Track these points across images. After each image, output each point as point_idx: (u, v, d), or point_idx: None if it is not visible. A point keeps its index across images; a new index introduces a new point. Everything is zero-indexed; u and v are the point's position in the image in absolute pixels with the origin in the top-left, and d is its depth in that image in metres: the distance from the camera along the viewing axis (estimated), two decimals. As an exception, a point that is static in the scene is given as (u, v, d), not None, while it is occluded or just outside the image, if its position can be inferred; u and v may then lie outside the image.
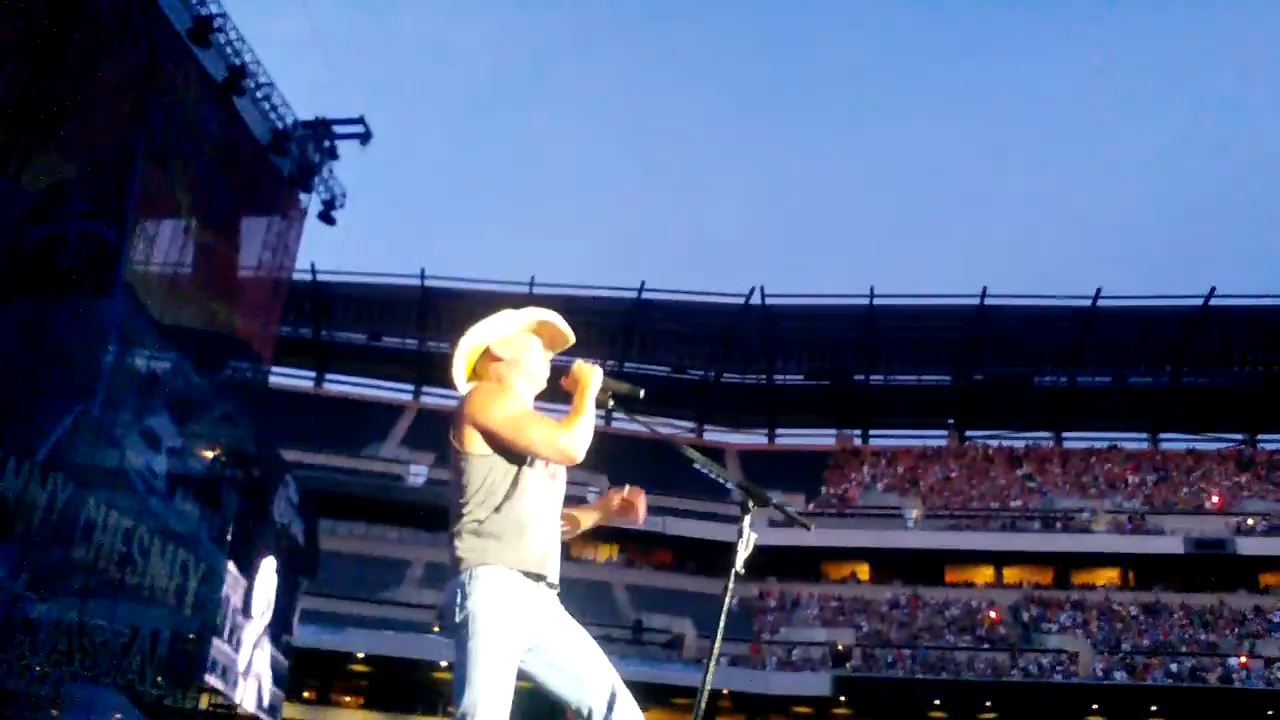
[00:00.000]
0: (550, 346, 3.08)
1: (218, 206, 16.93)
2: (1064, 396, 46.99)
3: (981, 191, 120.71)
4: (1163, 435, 48.24)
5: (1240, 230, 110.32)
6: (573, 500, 3.06)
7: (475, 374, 3.05)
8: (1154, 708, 33.44)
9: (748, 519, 2.78)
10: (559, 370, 3.03)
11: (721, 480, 2.95)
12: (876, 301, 42.74)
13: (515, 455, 2.83)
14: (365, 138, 19.09)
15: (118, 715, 14.69)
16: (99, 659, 13.34)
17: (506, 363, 2.99)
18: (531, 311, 3.04)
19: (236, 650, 18.48)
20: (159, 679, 15.12)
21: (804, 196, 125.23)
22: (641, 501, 3.20)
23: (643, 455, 41.43)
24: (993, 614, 37.64)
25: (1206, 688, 32.11)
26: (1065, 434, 48.70)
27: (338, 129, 18.91)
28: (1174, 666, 33.20)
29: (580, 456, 2.80)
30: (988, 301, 42.16)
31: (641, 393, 2.98)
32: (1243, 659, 33.03)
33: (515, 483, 2.83)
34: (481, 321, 3.01)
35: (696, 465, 3.06)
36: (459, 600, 2.74)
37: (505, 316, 3.02)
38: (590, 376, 2.90)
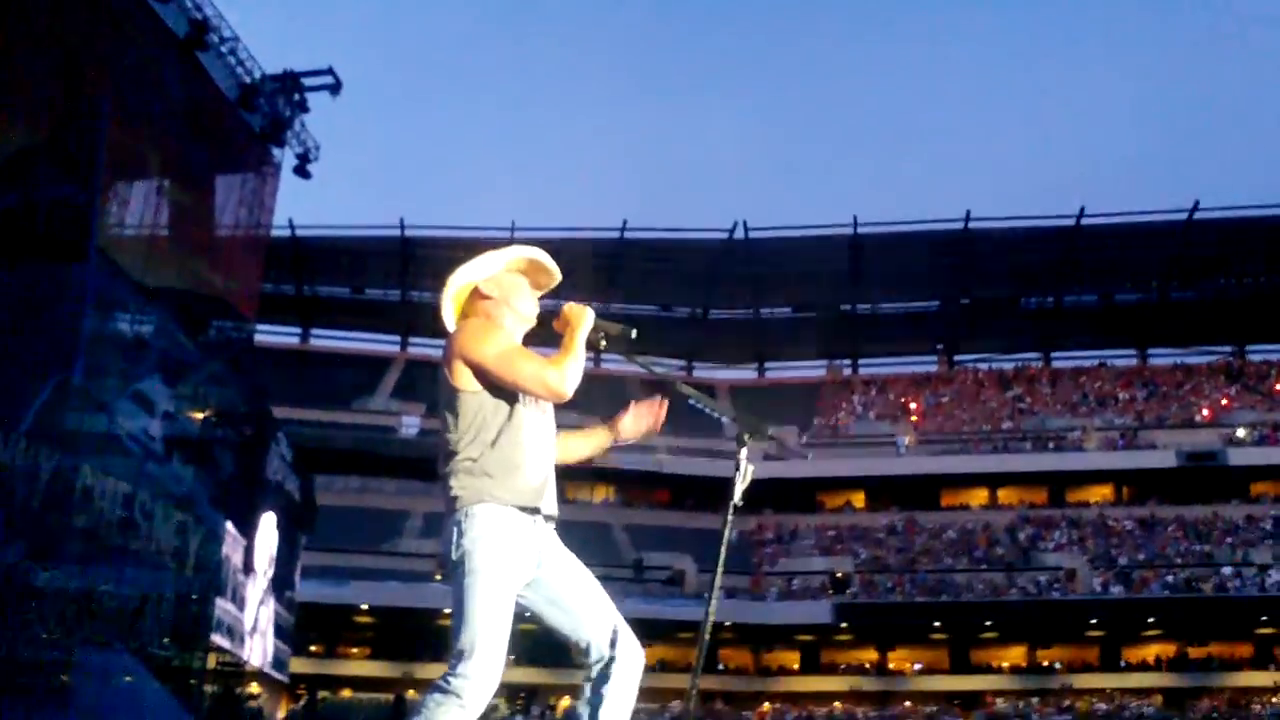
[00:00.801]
0: (537, 285, 3.04)
1: (190, 165, 16.66)
2: (1051, 317, 47.04)
3: (964, 114, 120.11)
4: (1151, 351, 48.48)
5: (1224, 141, 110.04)
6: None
7: (464, 315, 3.01)
8: (1151, 619, 33.97)
9: (744, 451, 2.74)
10: (548, 313, 2.97)
11: (717, 414, 2.91)
12: (861, 230, 42.57)
13: (505, 391, 2.80)
14: (335, 88, 18.69)
15: (129, 678, 14.79)
16: (109, 624, 13.39)
17: (495, 301, 2.96)
18: (517, 250, 2.99)
19: (241, 609, 18.58)
20: (165, 640, 15.20)
21: (785, 126, 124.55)
22: (660, 409, 3.12)
23: (634, 396, 41.50)
24: (986, 537, 38.04)
25: (1202, 597, 32.61)
26: (1054, 354, 48.91)
27: (307, 81, 18.51)
28: (1170, 578, 33.67)
29: (569, 393, 2.77)
30: (972, 225, 42.02)
31: (634, 333, 2.95)
32: (1236, 568, 33.47)
33: (508, 418, 2.81)
34: (468, 262, 2.97)
35: (691, 400, 3.03)
36: (455, 539, 2.73)
37: (491, 256, 2.98)
38: (582, 317, 2.86)
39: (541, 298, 3.06)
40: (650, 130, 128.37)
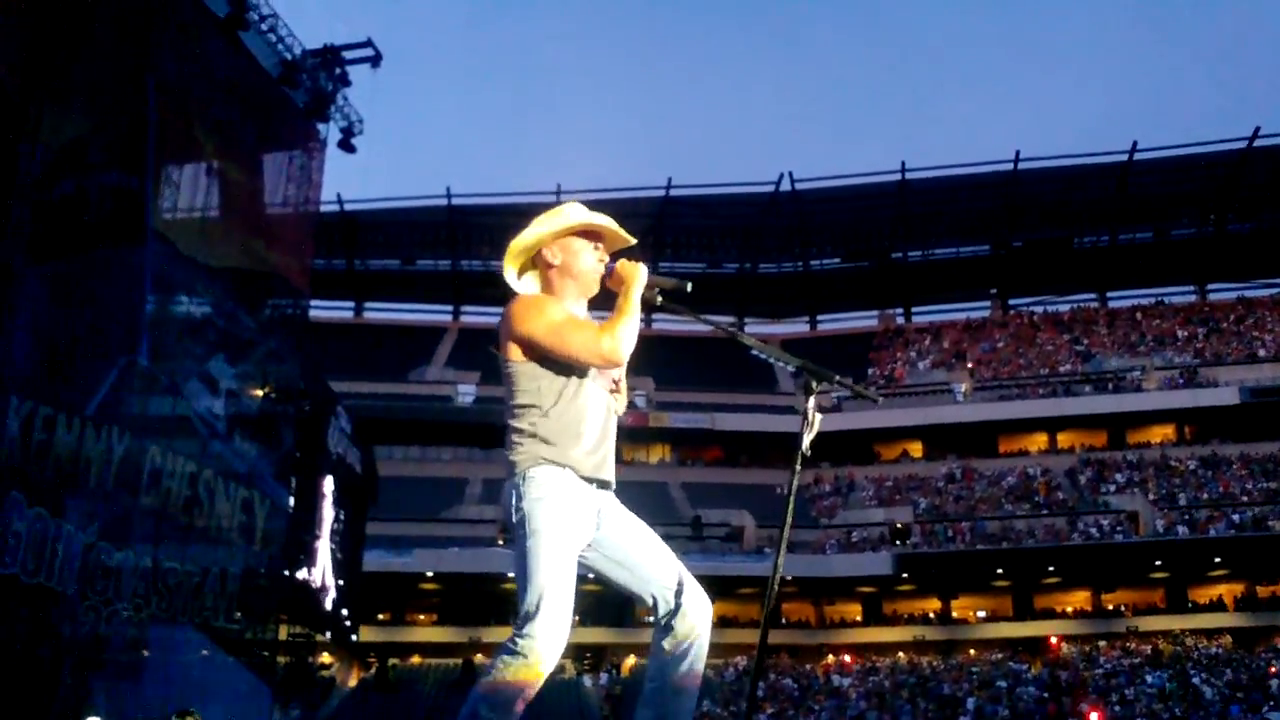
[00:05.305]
0: (608, 248, 2.99)
1: (238, 145, 16.82)
2: (1106, 256, 46.16)
3: (1010, 53, 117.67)
4: (1210, 286, 47.44)
5: None
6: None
7: (527, 271, 3.01)
8: (1217, 559, 33.51)
9: (812, 400, 2.72)
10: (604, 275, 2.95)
11: (782, 363, 2.88)
12: (909, 176, 41.99)
13: (559, 363, 2.80)
14: (375, 60, 18.76)
15: (204, 652, 15.17)
16: (174, 600, 13.72)
17: (557, 268, 2.94)
18: (585, 214, 2.95)
19: (308, 580, 18.93)
20: (237, 615, 15.53)
21: (828, 75, 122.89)
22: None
23: (686, 356, 41.61)
24: (1045, 483, 37.69)
25: (1269, 535, 32.04)
26: (1110, 294, 48.06)
27: (347, 54, 18.60)
28: (1236, 517, 33.13)
29: (623, 359, 2.78)
30: (1022, 165, 41.30)
31: (689, 286, 2.90)
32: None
33: (564, 387, 2.82)
34: (535, 221, 2.94)
35: (755, 351, 3.01)
36: (515, 502, 2.76)
37: (557, 216, 2.94)
38: (635, 274, 2.83)
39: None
40: (692, 88, 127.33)
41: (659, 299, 2.88)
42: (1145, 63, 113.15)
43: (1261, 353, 40.33)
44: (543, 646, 2.65)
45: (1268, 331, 41.97)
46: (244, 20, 15.93)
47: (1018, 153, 40.74)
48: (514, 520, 2.76)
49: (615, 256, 3.00)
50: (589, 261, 2.94)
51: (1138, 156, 40.68)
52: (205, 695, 13.62)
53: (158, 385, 13.66)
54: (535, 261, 2.98)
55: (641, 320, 2.81)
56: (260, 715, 16.21)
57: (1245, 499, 34.27)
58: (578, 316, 2.86)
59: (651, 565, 2.87)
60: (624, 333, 2.74)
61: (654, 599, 2.86)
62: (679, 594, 2.84)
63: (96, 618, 12.22)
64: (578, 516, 2.77)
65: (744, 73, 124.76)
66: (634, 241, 2.99)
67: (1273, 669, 27.90)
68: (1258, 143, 39.61)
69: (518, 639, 2.66)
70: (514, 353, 2.81)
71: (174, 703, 11.79)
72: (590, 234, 2.96)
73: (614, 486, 2.91)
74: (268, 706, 16.69)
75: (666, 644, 2.84)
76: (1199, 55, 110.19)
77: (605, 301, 2.86)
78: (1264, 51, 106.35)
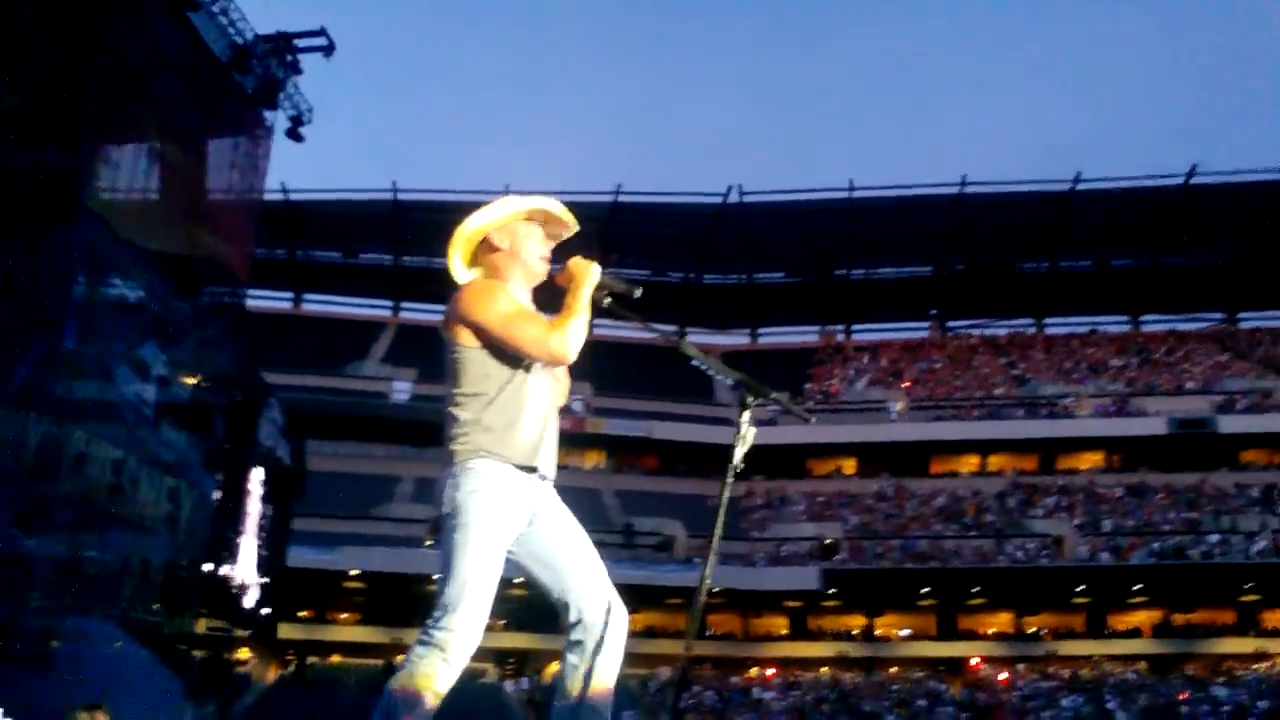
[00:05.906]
0: (552, 236, 3.01)
1: (184, 128, 16.54)
2: (1045, 283, 47.01)
3: (961, 77, 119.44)
4: (1144, 317, 48.48)
5: (1225, 106, 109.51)
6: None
7: (474, 262, 2.99)
8: (1137, 587, 34.16)
9: (747, 415, 2.71)
10: (554, 272, 2.93)
11: (720, 376, 2.86)
12: (856, 195, 42.36)
13: (507, 353, 2.78)
14: (328, 50, 18.53)
15: (118, 644, 14.79)
16: (90, 590, 13.38)
17: (504, 253, 2.93)
18: (532, 199, 2.96)
19: (231, 574, 18.60)
20: (155, 606, 15.21)
21: (781, 92, 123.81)
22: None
23: (628, 362, 41.50)
24: (975, 504, 38.15)
25: (1188, 564, 32.74)
26: (1047, 320, 48.92)
27: (299, 42, 18.36)
28: (1156, 545, 33.80)
29: (571, 357, 2.77)
30: (967, 190, 41.88)
31: (639, 291, 2.89)
32: (1222, 535, 33.61)
33: (510, 377, 2.80)
34: (483, 208, 2.94)
35: (695, 361, 3.00)
36: (450, 492, 2.73)
37: (506, 203, 2.94)
38: (587, 273, 2.82)
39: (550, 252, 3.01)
40: (644, 97, 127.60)
41: (606, 301, 2.85)
42: (1091, 96, 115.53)
43: (1190, 385, 41.20)
44: (458, 641, 2.63)
45: (1196, 364, 42.94)
46: (195, 2, 15.64)
47: (964, 177, 41.36)
48: (446, 510, 2.73)
49: (563, 249, 2.97)
50: (536, 246, 2.94)
51: (1080, 187, 41.51)
52: (117, 688, 13.29)
53: (84, 369, 13.33)
54: (480, 252, 2.96)
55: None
56: (173, 710, 15.87)
57: (1167, 528, 34.96)
58: (529, 309, 2.85)
59: (575, 572, 2.84)
60: (573, 331, 2.74)
61: (569, 607, 2.82)
62: (596, 608, 2.80)
63: (3, 606, 11.87)
64: (510, 512, 2.75)
65: (697, 87, 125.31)
66: (578, 227, 2.99)
67: (1183, 695, 28.50)
68: (1194, 179, 40.58)
69: (434, 631, 2.63)
70: (464, 337, 2.79)
71: (82, 695, 11.47)
72: (536, 219, 2.96)
73: (553, 479, 2.89)
74: (181, 701, 16.34)
75: (577, 658, 2.80)
76: (1144, 91, 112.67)
77: (552, 297, 2.82)
78: (1206, 89, 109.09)
